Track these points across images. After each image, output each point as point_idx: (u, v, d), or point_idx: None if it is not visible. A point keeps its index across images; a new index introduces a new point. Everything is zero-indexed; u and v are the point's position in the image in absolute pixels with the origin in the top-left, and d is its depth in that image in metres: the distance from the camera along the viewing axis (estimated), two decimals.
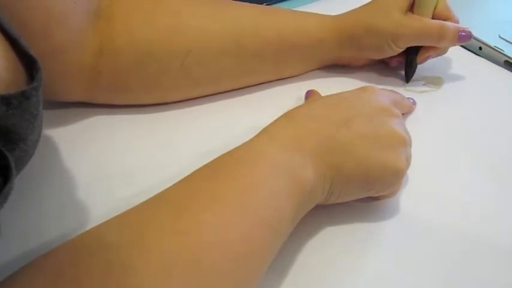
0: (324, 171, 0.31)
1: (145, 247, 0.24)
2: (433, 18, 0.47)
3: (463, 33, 0.46)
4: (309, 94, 0.44)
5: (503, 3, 0.64)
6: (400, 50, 0.48)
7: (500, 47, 0.53)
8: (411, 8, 0.47)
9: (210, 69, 0.44)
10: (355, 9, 0.49)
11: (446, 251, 0.34)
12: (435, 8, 0.47)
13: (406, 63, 0.50)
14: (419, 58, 0.49)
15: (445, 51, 0.49)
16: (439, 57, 0.50)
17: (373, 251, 0.33)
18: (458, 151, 0.42)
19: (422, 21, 0.46)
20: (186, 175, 0.30)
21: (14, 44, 0.24)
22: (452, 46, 0.49)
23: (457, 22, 0.48)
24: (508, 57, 0.52)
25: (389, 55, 0.48)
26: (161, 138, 0.42)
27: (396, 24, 0.46)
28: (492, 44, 0.54)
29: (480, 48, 0.54)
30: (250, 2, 0.47)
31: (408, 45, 0.47)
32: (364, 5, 0.48)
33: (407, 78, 0.50)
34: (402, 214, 0.36)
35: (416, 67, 0.50)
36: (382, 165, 0.32)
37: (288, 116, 0.34)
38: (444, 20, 0.47)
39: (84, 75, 0.40)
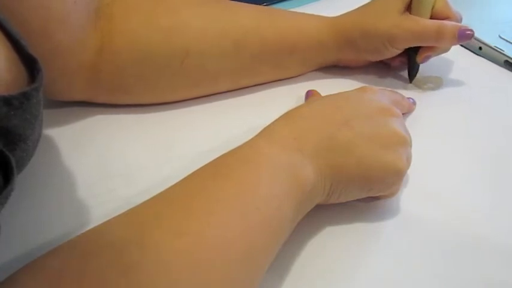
0: (324, 171, 0.31)
1: (146, 247, 0.24)
2: (432, 17, 0.46)
3: (464, 32, 0.45)
4: (309, 94, 0.44)
5: (503, 3, 0.64)
6: (399, 52, 0.47)
7: (500, 47, 0.53)
8: (409, 8, 0.46)
9: (209, 70, 0.44)
10: (353, 11, 0.48)
11: (446, 250, 0.34)
12: (433, 7, 0.46)
13: (408, 63, 0.49)
14: (419, 58, 0.48)
15: (446, 49, 0.48)
16: (439, 56, 0.50)
17: (373, 251, 0.33)
18: (458, 151, 0.42)
19: (419, 22, 0.45)
20: (186, 175, 0.30)
21: (15, 44, 0.24)
22: (453, 45, 0.48)
23: (459, 20, 0.47)
24: (508, 57, 0.52)
25: (387, 57, 0.48)
26: (161, 138, 0.42)
27: (391, 26, 0.45)
28: (492, 44, 0.54)
29: (480, 48, 0.54)
30: (250, 3, 0.47)
31: (406, 46, 0.47)
32: (360, 7, 0.48)
33: (411, 78, 0.50)
34: (402, 214, 0.36)
35: (418, 66, 0.49)
36: (383, 165, 0.32)
37: (288, 116, 0.34)
38: (444, 19, 0.46)
39: (84, 75, 0.40)
